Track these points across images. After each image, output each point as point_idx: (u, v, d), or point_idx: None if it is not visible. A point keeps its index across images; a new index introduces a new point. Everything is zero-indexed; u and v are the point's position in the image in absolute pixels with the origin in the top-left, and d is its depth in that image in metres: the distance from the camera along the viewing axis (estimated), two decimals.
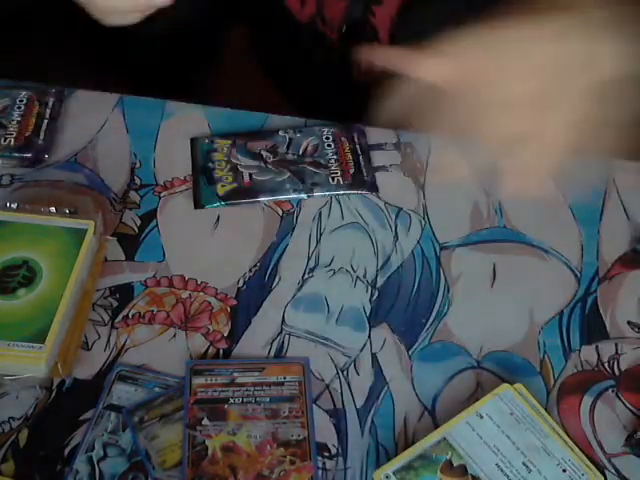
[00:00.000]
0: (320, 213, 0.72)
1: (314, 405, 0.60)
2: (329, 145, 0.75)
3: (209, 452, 0.56)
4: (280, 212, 0.72)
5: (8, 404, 0.59)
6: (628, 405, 0.61)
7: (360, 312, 0.66)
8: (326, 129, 0.77)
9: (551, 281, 0.69)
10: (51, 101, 0.77)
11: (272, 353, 0.63)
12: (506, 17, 0.58)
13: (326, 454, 0.58)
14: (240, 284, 0.67)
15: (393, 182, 0.75)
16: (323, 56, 0.82)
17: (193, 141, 0.75)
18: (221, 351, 0.63)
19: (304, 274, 0.68)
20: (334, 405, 0.61)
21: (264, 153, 0.74)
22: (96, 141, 0.77)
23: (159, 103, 0.80)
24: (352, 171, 0.74)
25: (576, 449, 0.57)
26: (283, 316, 0.65)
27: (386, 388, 0.62)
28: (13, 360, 0.58)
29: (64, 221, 0.66)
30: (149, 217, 0.71)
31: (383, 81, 0.62)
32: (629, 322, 0.66)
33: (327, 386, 0.61)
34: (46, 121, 0.76)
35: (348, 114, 0.80)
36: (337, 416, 0.60)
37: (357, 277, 0.68)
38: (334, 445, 0.58)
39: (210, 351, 0.63)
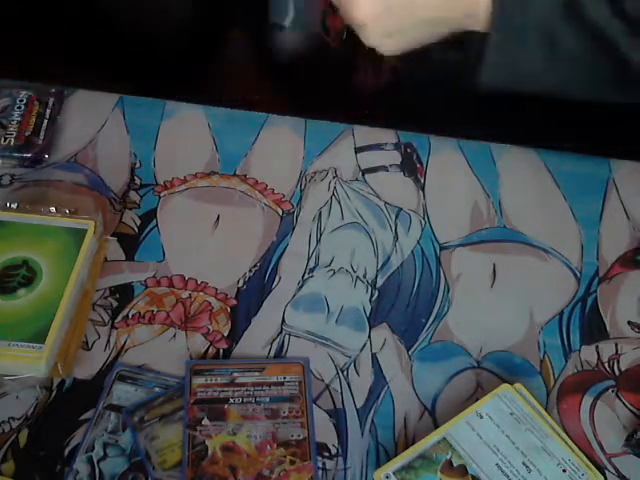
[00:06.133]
0: (320, 213, 0.72)
1: (314, 405, 0.60)
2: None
3: (209, 452, 0.56)
4: (280, 212, 0.72)
5: (8, 404, 0.59)
6: (628, 405, 0.61)
7: (360, 312, 0.66)
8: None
9: (551, 281, 0.69)
10: (51, 101, 0.77)
11: (272, 353, 0.63)
12: None
13: (326, 454, 0.58)
14: (240, 284, 0.67)
15: (393, 182, 0.75)
16: (324, 61, 0.82)
17: None
18: (221, 351, 0.63)
19: (304, 274, 0.68)
20: (334, 405, 0.61)
21: None
22: (96, 141, 0.77)
23: (159, 103, 0.80)
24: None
25: (576, 449, 0.57)
26: (283, 316, 0.65)
27: (386, 388, 0.62)
28: (13, 360, 0.58)
29: (64, 221, 0.66)
30: (149, 217, 0.71)
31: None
32: (629, 322, 0.66)
33: (327, 386, 0.61)
34: (46, 121, 0.76)
35: (348, 115, 0.80)
36: (337, 416, 0.60)
37: (357, 277, 0.68)
38: (334, 445, 0.58)
39: (210, 351, 0.63)
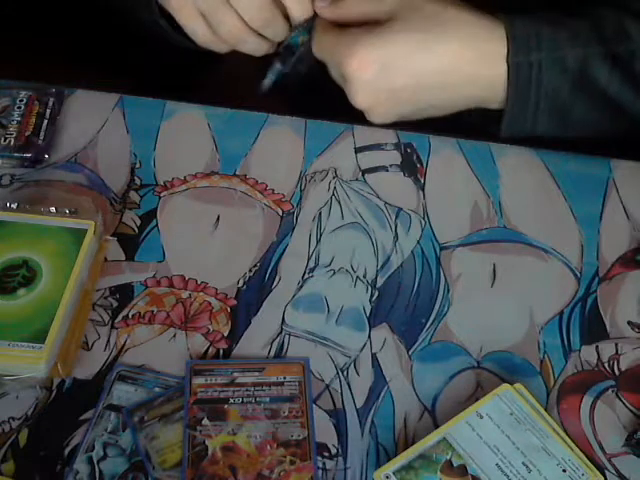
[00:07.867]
0: (320, 213, 0.72)
1: (314, 405, 0.60)
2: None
3: (209, 452, 0.56)
4: (280, 212, 0.72)
5: (8, 404, 0.59)
6: (628, 405, 0.61)
7: (360, 312, 0.66)
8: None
9: (551, 281, 0.69)
10: (51, 101, 0.77)
11: (272, 353, 0.63)
12: None
13: (326, 454, 0.58)
14: (240, 284, 0.67)
15: (393, 182, 0.75)
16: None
17: None
18: (221, 351, 0.63)
19: (304, 274, 0.68)
20: (334, 405, 0.60)
21: None
22: (96, 141, 0.77)
23: (159, 103, 0.80)
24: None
25: (576, 449, 0.57)
26: (283, 316, 0.65)
27: (386, 388, 0.62)
28: (13, 360, 0.58)
29: (64, 221, 0.66)
30: (149, 217, 0.71)
31: None
32: (629, 322, 0.66)
33: (327, 386, 0.61)
34: (46, 121, 0.76)
35: (348, 115, 0.80)
36: (337, 416, 0.60)
37: (357, 277, 0.68)
38: (334, 445, 0.58)
39: (210, 351, 0.63)
